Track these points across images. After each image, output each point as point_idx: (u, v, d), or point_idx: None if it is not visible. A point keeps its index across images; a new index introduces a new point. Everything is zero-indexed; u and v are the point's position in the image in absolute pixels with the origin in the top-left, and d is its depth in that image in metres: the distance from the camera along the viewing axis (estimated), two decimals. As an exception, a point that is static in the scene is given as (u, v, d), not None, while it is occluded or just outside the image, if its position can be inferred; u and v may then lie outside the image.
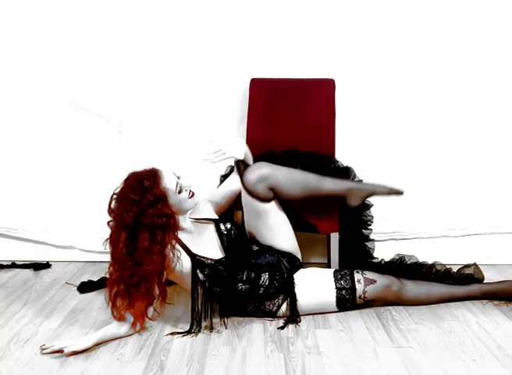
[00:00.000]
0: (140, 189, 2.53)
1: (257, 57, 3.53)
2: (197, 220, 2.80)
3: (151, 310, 2.57)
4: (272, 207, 2.78)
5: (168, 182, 2.61)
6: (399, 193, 2.90)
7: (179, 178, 2.68)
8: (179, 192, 2.64)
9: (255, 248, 2.80)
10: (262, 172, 2.73)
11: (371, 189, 2.90)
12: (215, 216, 2.86)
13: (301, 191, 2.80)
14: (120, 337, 2.54)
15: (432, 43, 3.49)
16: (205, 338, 2.55)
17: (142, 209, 2.51)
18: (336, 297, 2.73)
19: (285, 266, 2.74)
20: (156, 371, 2.27)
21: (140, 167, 2.64)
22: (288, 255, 2.81)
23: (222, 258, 2.67)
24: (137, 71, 3.56)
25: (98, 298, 3.01)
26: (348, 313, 2.76)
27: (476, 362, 2.31)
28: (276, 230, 2.81)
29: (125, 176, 2.62)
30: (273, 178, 2.73)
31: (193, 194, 2.70)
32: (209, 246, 2.72)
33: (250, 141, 3.42)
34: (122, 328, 2.55)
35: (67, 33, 3.53)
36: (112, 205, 2.58)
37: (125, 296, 2.51)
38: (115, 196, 2.58)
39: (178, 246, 2.63)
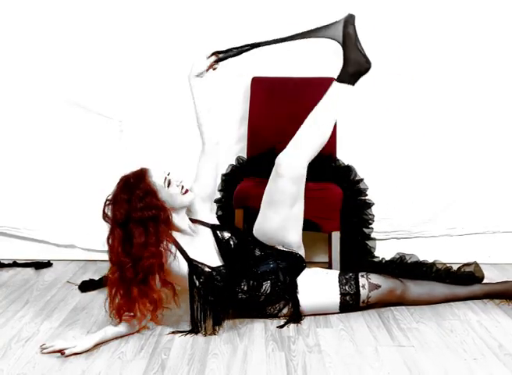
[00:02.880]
0: (128, 188, 2.56)
1: (258, 56, 3.50)
2: (194, 222, 2.78)
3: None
4: (302, 195, 2.75)
5: (156, 177, 2.61)
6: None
7: (168, 174, 2.66)
8: (169, 186, 2.63)
9: (257, 252, 2.75)
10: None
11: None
12: (212, 221, 2.81)
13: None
14: (121, 337, 2.54)
15: (432, 41, 3.49)
16: (206, 337, 2.54)
17: (132, 205, 2.53)
18: (340, 302, 2.72)
19: (286, 273, 2.71)
20: (157, 370, 2.27)
21: (130, 170, 2.66)
22: (292, 257, 2.77)
23: (219, 267, 2.65)
24: (138, 70, 3.56)
25: (99, 297, 3.01)
26: (349, 313, 2.76)
27: (477, 361, 2.31)
28: (294, 221, 2.75)
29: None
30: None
31: (186, 190, 2.68)
32: (208, 251, 2.70)
33: (251, 140, 3.43)
34: (123, 327, 2.54)
35: (68, 33, 3.53)
36: (106, 210, 2.59)
37: (126, 296, 2.50)
38: (108, 201, 2.60)
39: (175, 248, 2.62)
